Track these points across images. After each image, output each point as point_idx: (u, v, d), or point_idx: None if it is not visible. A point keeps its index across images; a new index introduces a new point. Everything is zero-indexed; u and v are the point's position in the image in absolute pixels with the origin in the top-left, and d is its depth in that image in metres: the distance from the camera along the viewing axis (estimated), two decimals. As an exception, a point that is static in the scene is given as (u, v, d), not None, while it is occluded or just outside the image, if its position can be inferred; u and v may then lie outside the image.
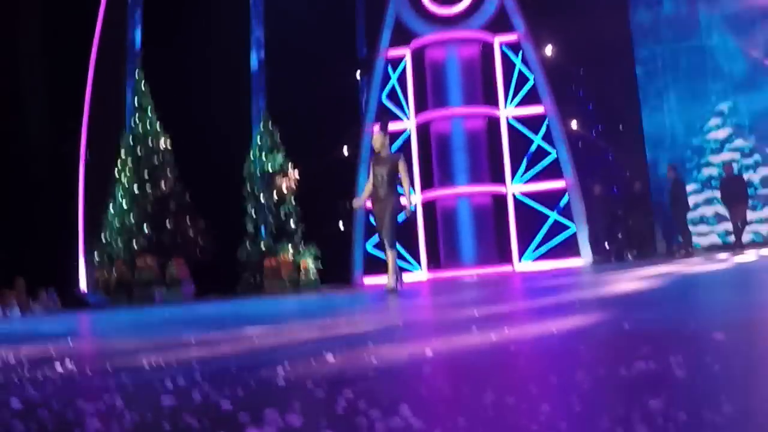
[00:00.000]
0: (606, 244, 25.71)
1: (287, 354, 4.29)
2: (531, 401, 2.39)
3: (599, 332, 4.35)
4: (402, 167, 12.92)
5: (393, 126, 26.55)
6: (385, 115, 14.15)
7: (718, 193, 23.58)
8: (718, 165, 25.20)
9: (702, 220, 25.81)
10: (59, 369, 4.31)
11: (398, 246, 25.37)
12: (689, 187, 24.51)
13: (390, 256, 12.94)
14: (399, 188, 13.15)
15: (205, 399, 2.91)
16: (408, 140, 26.75)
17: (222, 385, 3.19)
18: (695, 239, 24.94)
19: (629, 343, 3.61)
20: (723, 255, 19.13)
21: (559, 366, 3.17)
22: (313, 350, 4.33)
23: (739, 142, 25.81)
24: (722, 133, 25.99)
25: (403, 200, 13.00)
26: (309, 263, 26.02)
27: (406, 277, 13.30)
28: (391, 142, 26.12)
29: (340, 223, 26.78)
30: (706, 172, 26.15)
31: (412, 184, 13.28)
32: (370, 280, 25.33)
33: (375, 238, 25.09)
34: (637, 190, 25.03)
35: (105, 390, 3.29)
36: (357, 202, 13.92)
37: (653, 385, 2.44)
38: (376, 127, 13.45)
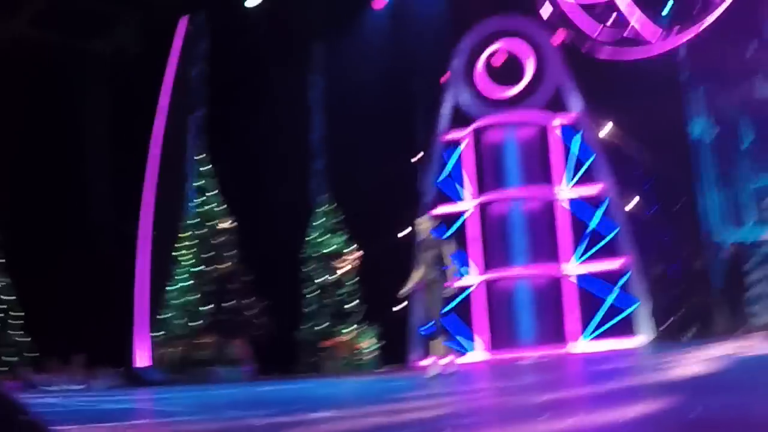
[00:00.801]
0: (665, 323, 25.43)
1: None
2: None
3: (666, 420, 4.39)
4: (447, 249, 13.05)
5: (450, 208, 26.73)
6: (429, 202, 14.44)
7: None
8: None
9: (760, 297, 25.42)
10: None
11: (460, 324, 25.52)
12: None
13: (439, 341, 12.98)
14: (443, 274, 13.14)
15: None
16: (465, 222, 26.81)
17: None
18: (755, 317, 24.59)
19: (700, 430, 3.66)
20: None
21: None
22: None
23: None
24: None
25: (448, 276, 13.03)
26: (367, 344, 26.05)
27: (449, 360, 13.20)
28: (448, 225, 26.43)
29: (393, 307, 26.83)
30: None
31: (461, 265, 13.52)
32: (426, 362, 25.22)
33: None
34: (696, 269, 24.85)
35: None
36: (404, 291, 13.59)
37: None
38: (424, 217, 13.69)
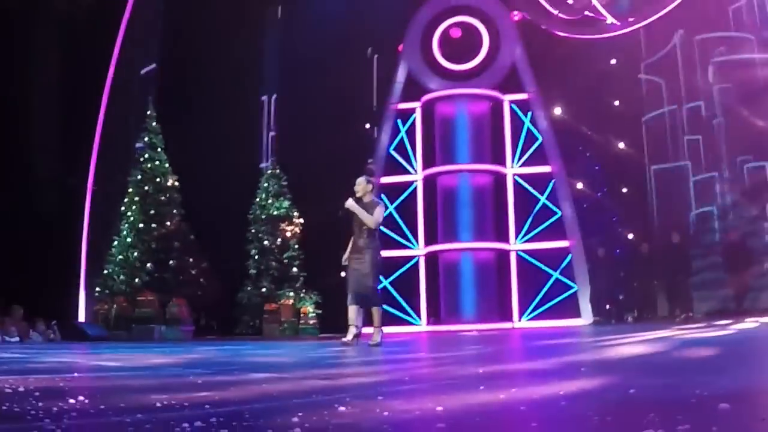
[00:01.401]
0: (607, 305, 25.70)
1: (298, 403, 4.35)
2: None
3: (606, 396, 4.41)
4: (378, 211, 12.79)
5: (400, 178, 26.73)
6: (372, 163, 13.91)
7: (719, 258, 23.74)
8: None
9: (703, 284, 25.76)
10: (72, 403, 4.35)
11: (399, 297, 25.57)
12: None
13: (377, 312, 12.91)
14: (376, 237, 12.98)
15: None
16: (414, 193, 26.86)
17: (239, 430, 3.25)
18: (696, 304, 24.92)
19: (636, 409, 3.68)
20: (723, 321, 19.13)
21: (571, 430, 3.23)
22: (324, 400, 4.39)
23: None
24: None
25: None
26: (309, 310, 26.07)
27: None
28: (395, 196, 26.44)
29: (342, 273, 26.79)
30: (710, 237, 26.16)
31: (377, 224, 12.89)
32: (367, 330, 25.30)
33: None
34: (643, 253, 25.11)
35: (123, 428, 3.34)
36: (345, 257, 13.16)
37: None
38: (362, 178, 13.16)
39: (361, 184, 12.98)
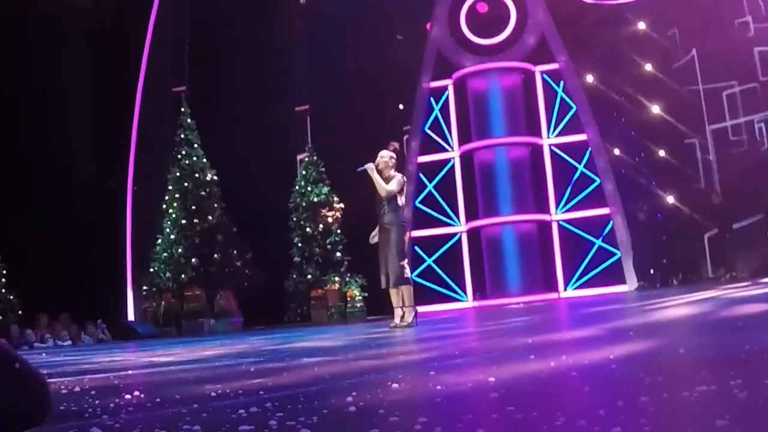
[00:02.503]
0: (651, 270, 25.55)
1: (352, 382, 4.41)
2: (602, 424, 2.50)
3: (656, 358, 4.44)
4: (394, 181, 12.49)
5: (437, 156, 26.72)
6: (393, 141, 13.40)
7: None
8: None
9: (746, 243, 25.49)
10: (128, 398, 4.44)
11: (444, 275, 25.60)
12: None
13: (407, 291, 12.49)
14: (401, 214, 12.73)
15: (282, 427, 3.03)
16: (452, 170, 26.85)
17: (295, 413, 3.32)
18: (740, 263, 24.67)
19: (687, 367, 3.70)
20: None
21: (623, 391, 3.27)
22: (376, 379, 4.44)
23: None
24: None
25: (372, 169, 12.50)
26: (355, 293, 26.18)
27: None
28: (433, 174, 26.45)
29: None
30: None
31: (392, 192, 12.50)
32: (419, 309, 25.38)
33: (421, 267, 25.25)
34: (685, 215, 24.94)
35: (180, 418, 3.41)
36: (373, 237, 12.99)
37: (718, 407, 2.55)
38: (386, 152, 12.85)
39: (384, 157, 12.71)
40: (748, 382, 2.97)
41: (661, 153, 26.09)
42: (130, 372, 7.71)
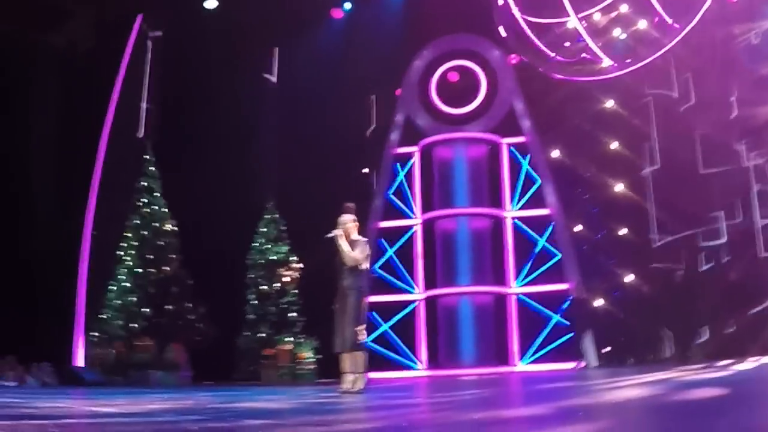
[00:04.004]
0: (607, 347, 25.51)
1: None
2: None
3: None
4: (359, 248, 12.39)
5: (399, 223, 26.75)
6: (350, 203, 13.30)
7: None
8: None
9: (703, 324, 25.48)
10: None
11: (398, 341, 25.49)
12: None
13: (360, 357, 12.31)
14: (361, 279, 12.53)
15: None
16: (413, 237, 26.85)
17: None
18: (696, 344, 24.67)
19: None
20: (724, 362, 18.99)
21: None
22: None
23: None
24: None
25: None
26: (307, 355, 25.97)
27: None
28: (394, 241, 26.44)
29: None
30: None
31: (358, 261, 12.41)
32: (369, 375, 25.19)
33: (375, 334, 25.10)
34: (643, 294, 24.97)
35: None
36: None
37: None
38: (348, 216, 12.71)
39: (347, 222, 12.60)
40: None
41: (623, 231, 26.15)
42: (70, 421, 7.51)
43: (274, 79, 28.78)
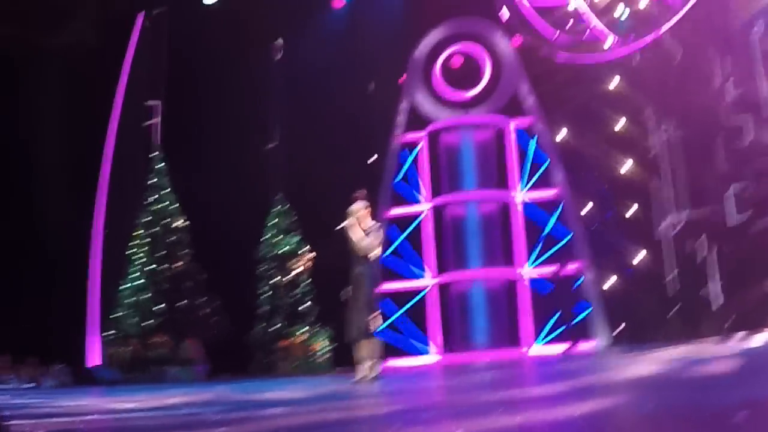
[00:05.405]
0: (621, 325, 25.49)
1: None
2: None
3: (621, 415, 4.41)
4: (372, 235, 12.47)
5: (409, 209, 26.78)
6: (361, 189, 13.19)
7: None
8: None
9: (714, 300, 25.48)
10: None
11: (411, 328, 25.53)
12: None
13: (372, 345, 12.34)
14: (373, 267, 12.61)
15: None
16: (422, 223, 26.86)
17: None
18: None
19: (653, 424, 3.68)
20: (738, 336, 18.99)
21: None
22: (338, 430, 4.38)
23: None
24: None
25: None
26: (321, 345, 26.01)
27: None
28: (403, 228, 26.48)
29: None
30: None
31: (370, 249, 12.36)
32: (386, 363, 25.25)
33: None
34: (652, 273, 24.94)
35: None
36: (346, 291, 12.76)
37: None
38: (360, 203, 12.81)
39: (360, 210, 12.68)
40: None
41: (633, 208, 26.11)
42: (93, 417, 7.59)
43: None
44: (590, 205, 26.46)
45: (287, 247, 26.98)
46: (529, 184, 26.69)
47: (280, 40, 28.65)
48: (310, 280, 26.91)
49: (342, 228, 12.54)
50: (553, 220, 26.15)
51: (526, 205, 26.60)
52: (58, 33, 25.60)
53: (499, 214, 26.85)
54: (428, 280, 26.43)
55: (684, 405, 4.67)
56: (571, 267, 25.55)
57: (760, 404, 4.23)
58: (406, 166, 27.35)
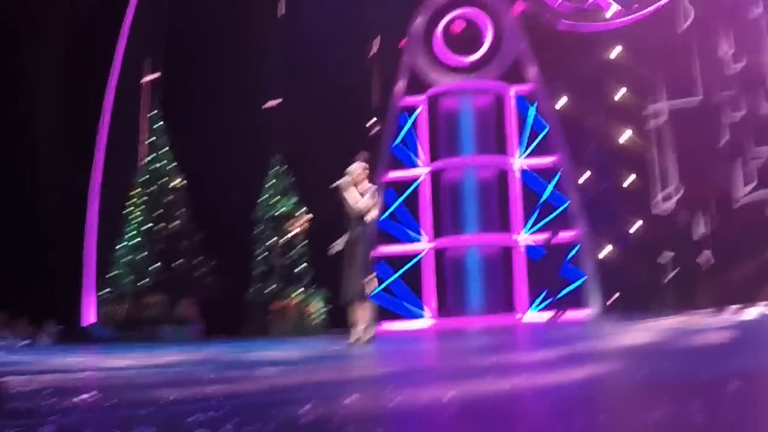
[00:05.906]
0: (616, 294, 25.57)
1: (308, 393, 4.36)
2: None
3: (615, 381, 4.43)
4: (367, 196, 12.32)
5: (406, 173, 26.77)
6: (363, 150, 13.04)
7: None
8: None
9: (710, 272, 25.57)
10: (84, 398, 4.38)
11: (406, 292, 25.60)
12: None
13: (367, 307, 12.17)
14: (368, 230, 12.45)
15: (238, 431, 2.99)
16: (420, 187, 26.86)
17: (251, 419, 3.28)
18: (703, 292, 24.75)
19: (646, 391, 3.70)
20: (732, 308, 19.08)
21: (579, 412, 3.25)
22: (334, 391, 4.41)
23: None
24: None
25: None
26: (316, 307, 26.05)
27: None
28: (401, 191, 26.49)
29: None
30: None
31: (363, 210, 12.22)
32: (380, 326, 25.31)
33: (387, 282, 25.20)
34: (648, 243, 24.99)
35: (137, 421, 3.37)
36: (335, 246, 12.53)
37: (675, 429, 2.53)
38: (359, 164, 12.66)
39: (357, 170, 12.50)
40: (707, 405, 2.97)
41: (631, 177, 26.11)
42: (87, 373, 7.62)
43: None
44: (588, 173, 26.44)
45: (284, 209, 26.95)
46: (528, 151, 26.66)
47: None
48: (306, 242, 26.92)
49: (337, 186, 12.46)
50: (550, 188, 26.15)
51: (524, 172, 26.58)
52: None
53: (497, 180, 26.83)
54: (424, 245, 26.46)
55: (676, 374, 4.69)
56: (566, 235, 25.57)
57: (753, 375, 4.25)
58: (404, 130, 27.30)
